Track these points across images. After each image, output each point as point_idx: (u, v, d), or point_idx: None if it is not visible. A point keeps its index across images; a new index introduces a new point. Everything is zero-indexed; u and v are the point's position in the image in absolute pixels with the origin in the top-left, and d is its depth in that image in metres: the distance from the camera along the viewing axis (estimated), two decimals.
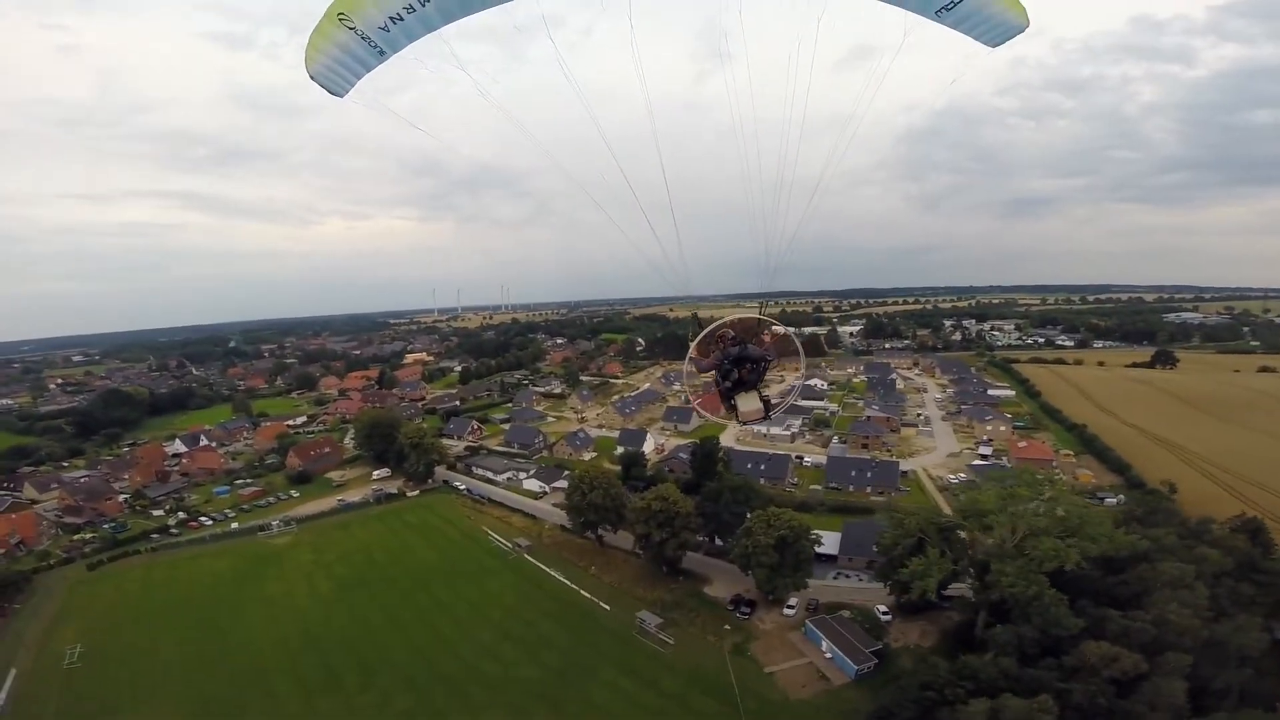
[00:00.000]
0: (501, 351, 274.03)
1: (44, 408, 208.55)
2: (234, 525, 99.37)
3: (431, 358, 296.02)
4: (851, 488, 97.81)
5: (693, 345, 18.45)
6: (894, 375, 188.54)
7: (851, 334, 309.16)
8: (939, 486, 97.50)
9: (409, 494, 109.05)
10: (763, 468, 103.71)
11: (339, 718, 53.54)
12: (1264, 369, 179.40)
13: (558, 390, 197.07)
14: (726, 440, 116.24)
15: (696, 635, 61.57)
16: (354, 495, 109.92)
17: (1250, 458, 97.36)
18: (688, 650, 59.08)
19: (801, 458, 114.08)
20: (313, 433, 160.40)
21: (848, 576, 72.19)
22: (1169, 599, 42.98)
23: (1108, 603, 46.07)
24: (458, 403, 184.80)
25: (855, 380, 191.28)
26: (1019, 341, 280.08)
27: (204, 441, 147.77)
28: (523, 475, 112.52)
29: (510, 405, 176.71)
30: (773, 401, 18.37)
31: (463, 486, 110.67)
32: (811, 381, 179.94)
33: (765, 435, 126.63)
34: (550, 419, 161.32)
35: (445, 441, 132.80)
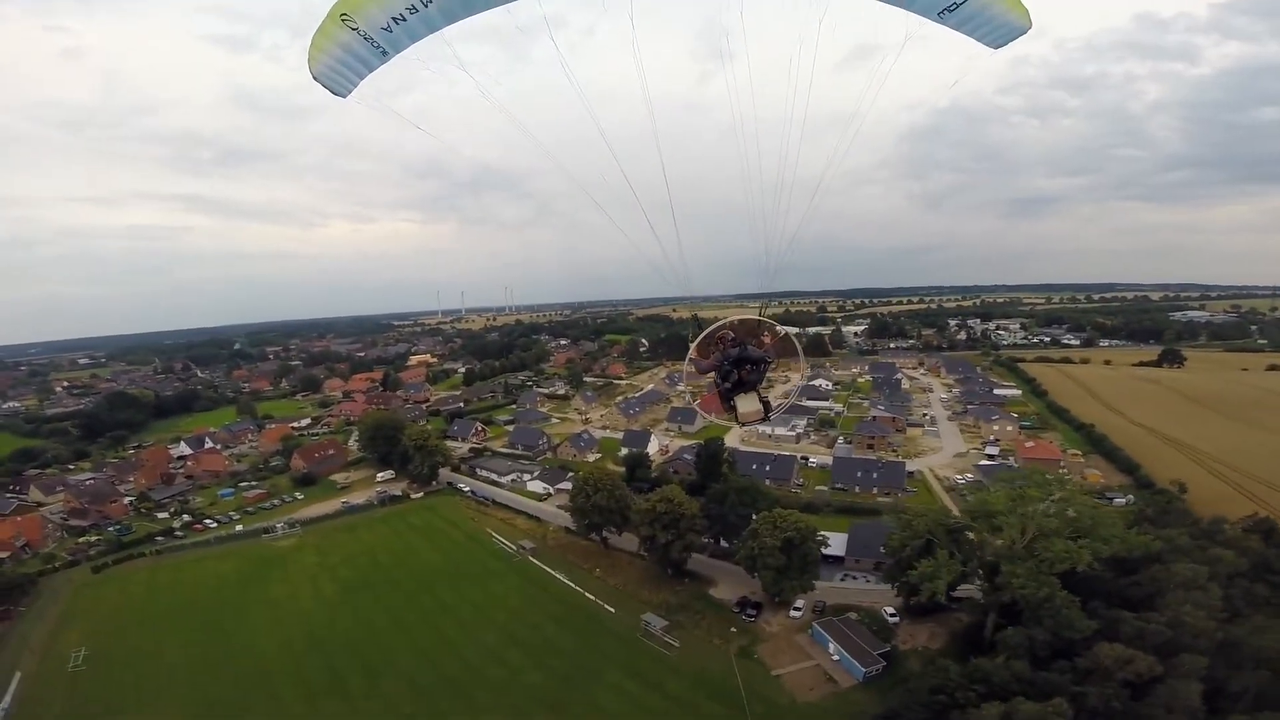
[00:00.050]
0: (505, 353, 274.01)
1: (50, 410, 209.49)
2: (239, 528, 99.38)
3: (435, 359, 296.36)
4: (858, 488, 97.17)
5: (692, 346, 18.50)
6: (899, 375, 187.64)
7: (856, 334, 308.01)
8: (946, 487, 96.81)
9: (413, 496, 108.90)
10: (768, 469, 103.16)
11: None
12: (1272, 367, 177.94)
13: (562, 391, 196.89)
14: (731, 441, 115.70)
15: (702, 638, 61.11)
16: (358, 497, 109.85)
17: (1261, 457, 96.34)
18: (693, 653, 58.65)
19: (807, 458, 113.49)
20: (317, 435, 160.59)
21: (855, 578, 71.64)
22: (1183, 600, 42.32)
23: (1120, 604, 45.41)
24: (462, 404, 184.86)
25: (860, 380, 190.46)
26: (1024, 341, 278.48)
27: (209, 444, 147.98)
28: (527, 477, 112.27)
29: (514, 407, 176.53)
30: (772, 403, 18.34)
31: (467, 488, 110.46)
32: (816, 382, 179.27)
33: (770, 436, 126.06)
34: (554, 420, 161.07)
35: (449, 443, 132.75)
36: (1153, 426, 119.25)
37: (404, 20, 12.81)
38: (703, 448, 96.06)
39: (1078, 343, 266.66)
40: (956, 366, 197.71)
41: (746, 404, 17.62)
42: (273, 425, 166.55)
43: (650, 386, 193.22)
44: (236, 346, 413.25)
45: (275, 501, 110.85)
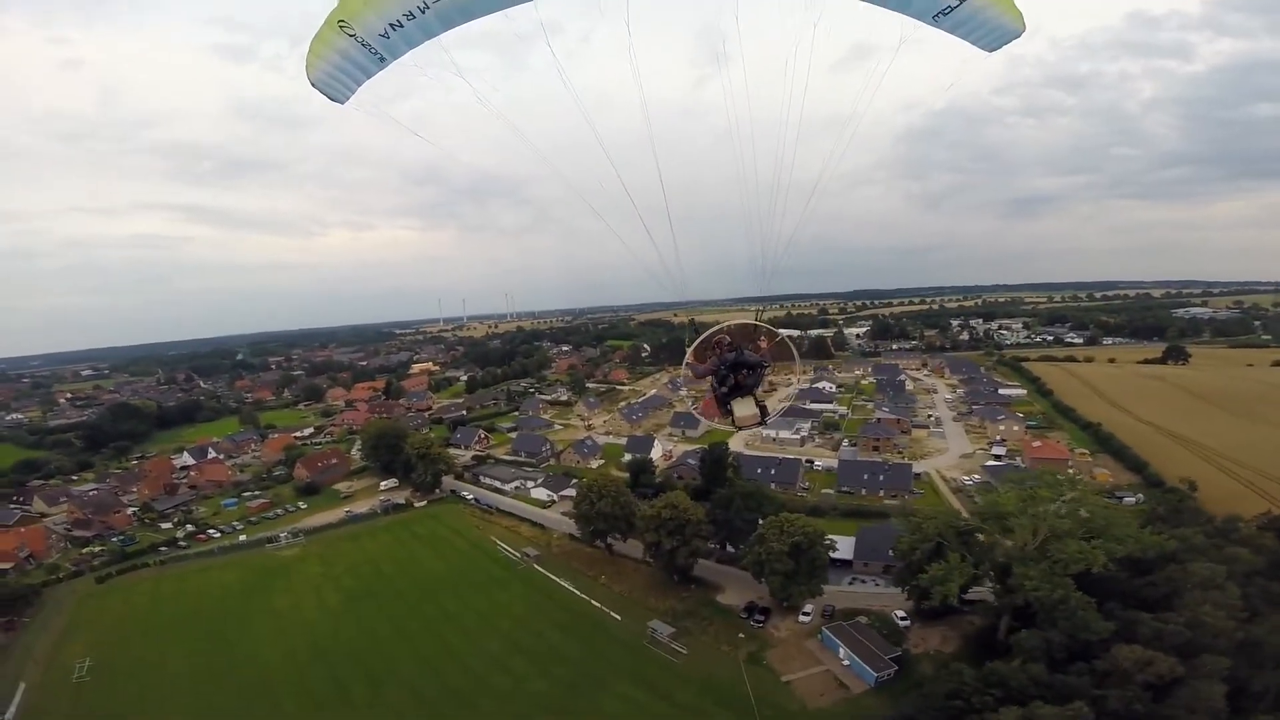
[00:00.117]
0: (507, 360, 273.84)
1: (53, 422, 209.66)
2: (242, 537, 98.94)
3: (437, 367, 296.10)
4: (864, 491, 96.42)
5: (689, 351, 18.68)
6: (903, 376, 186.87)
7: (858, 335, 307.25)
8: (953, 488, 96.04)
9: (416, 504, 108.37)
10: (773, 472, 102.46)
11: None
12: (1278, 363, 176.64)
13: (564, 398, 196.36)
14: (735, 446, 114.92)
15: (710, 644, 60.39)
16: (361, 506, 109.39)
17: (1270, 453, 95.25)
18: (701, 660, 57.94)
19: (812, 462, 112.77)
20: (320, 444, 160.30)
21: (864, 582, 70.86)
22: (1201, 600, 41.64)
23: (1136, 605, 44.69)
24: (464, 412, 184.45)
25: (864, 382, 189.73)
26: (1028, 340, 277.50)
27: (212, 454, 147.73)
28: (530, 484, 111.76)
29: (517, 414, 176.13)
30: (769, 408, 18.53)
31: (470, 496, 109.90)
32: (820, 384, 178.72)
33: (774, 440, 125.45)
34: (557, 427, 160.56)
35: (452, 451, 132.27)
36: (1160, 424, 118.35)
37: (402, 27, 12.83)
38: (707, 452, 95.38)
39: (1081, 341, 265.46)
40: (960, 367, 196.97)
41: (743, 408, 17.80)
42: (275, 435, 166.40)
43: (653, 392, 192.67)
44: (239, 357, 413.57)
45: (278, 511, 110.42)
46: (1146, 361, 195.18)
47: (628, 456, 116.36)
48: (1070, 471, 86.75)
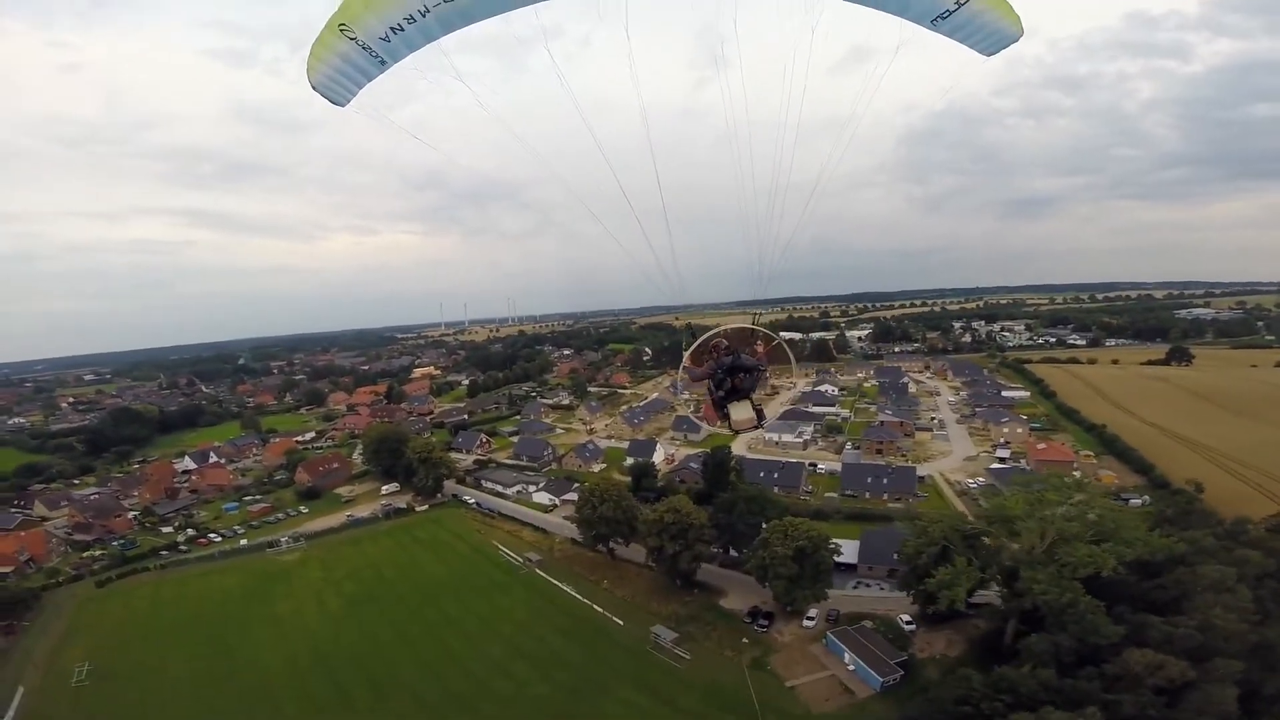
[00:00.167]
0: (509, 364, 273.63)
1: (55, 426, 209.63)
2: (243, 542, 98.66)
3: (439, 371, 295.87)
4: (868, 494, 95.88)
5: (686, 355, 18.89)
6: (905, 379, 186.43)
7: (860, 338, 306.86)
8: (957, 491, 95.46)
9: (418, 509, 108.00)
10: (775, 476, 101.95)
11: None
12: None
13: (566, 402, 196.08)
14: (738, 449, 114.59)
15: (713, 649, 59.90)
16: (363, 511, 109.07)
17: (1276, 454, 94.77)
18: (705, 665, 57.44)
19: (815, 465, 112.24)
20: (321, 448, 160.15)
21: (868, 586, 70.28)
22: (1212, 603, 41.09)
23: (1145, 608, 44.18)
24: (466, 416, 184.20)
25: (866, 385, 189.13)
26: (1030, 342, 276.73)
27: (213, 458, 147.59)
28: (532, 488, 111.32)
29: (519, 418, 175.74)
30: (765, 411, 18.74)
31: (472, 500, 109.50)
32: (822, 387, 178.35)
33: (777, 443, 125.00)
34: (559, 431, 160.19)
35: (454, 455, 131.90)
36: (1165, 426, 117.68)
37: (402, 30, 12.91)
38: (709, 456, 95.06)
39: (1084, 343, 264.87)
40: (963, 369, 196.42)
41: (740, 411, 17.94)
42: (277, 439, 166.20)
43: (655, 395, 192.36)
44: (240, 361, 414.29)
45: (279, 515, 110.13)
46: (1150, 363, 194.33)
47: (630, 460, 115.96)
48: (1076, 474, 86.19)
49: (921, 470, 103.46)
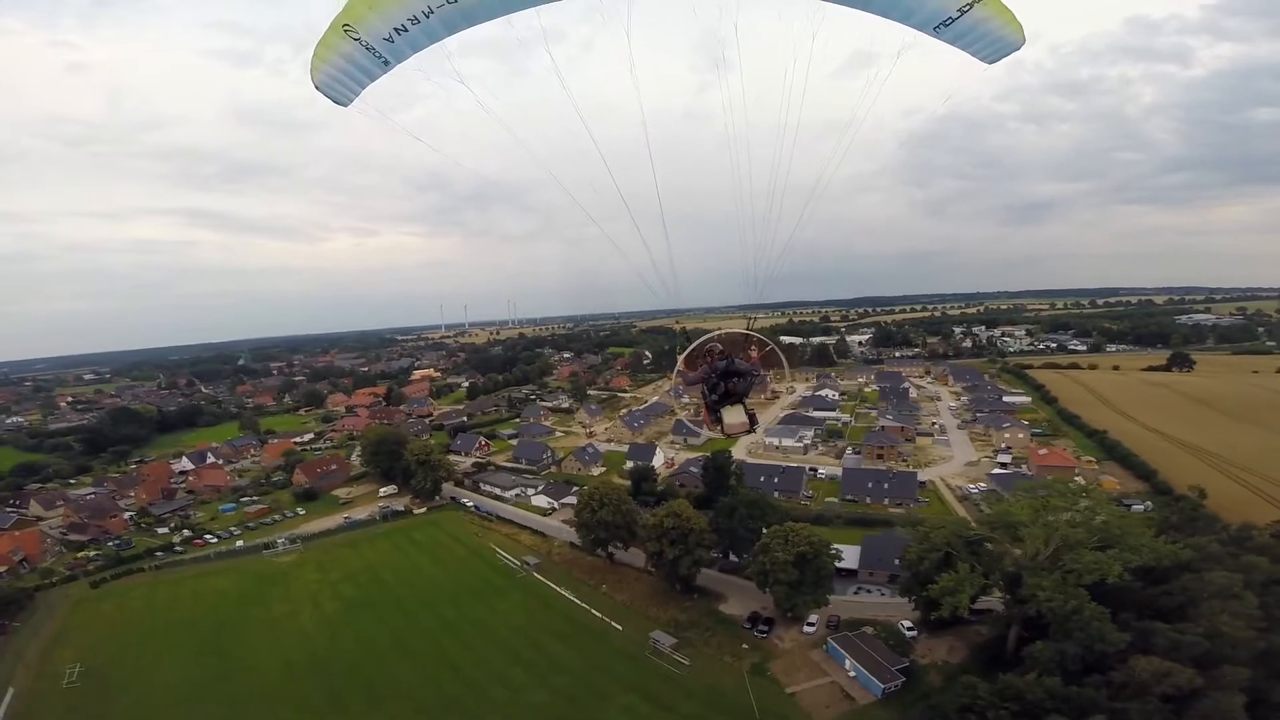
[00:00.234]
0: (509, 366, 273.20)
1: (53, 425, 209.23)
2: (239, 543, 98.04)
3: (439, 374, 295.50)
4: (869, 499, 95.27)
5: (680, 359, 19.30)
6: (906, 384, 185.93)
7: (861, 343, 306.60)
8: (959, 496, 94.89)
9: (416, 511, 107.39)
10: (776, 480, 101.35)
11: None
12: None
13: (566, 405, 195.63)
14: (738, 453, 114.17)
15: (713, 655, 59.26)
16: (360, 513, 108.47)
17: (1278, 460, 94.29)
18: (704, 671, 56.82)
19: (815, 470, 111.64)
20: (320, 450, 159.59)
21: (869, 591, 69.71)
22: (1219, 610, 40.62)
23: (1151, 615, 43.63)
24: (465, 419, 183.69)
25: (867, 390, 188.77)
26: (1031, 347, 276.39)
27: (211, 459, 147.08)
28: (531, 491, 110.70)
29: (518, 421, 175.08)
30: (757, 416, 19.39)
31: (470, 503, 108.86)
32: (823, 392, 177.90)
33: (778, 447, 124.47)
34: (558, 434, 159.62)
35: (453, 458, 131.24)
36: (1166, 432, 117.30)
37: (406, 31, 13.05)
38: (709, 460, 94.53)
39: (1084, 348, 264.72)
40: (964, 374, 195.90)
41: (733, 415, 18.20)
42: (275, 440, 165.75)
43: (655, 399, 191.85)
44: (240, 362, 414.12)
45: (276, 517, 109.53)
46: (1151, 369, 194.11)
47: (629, 464, 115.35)
48: (1078, 479, 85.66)
49: (922, 475, 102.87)
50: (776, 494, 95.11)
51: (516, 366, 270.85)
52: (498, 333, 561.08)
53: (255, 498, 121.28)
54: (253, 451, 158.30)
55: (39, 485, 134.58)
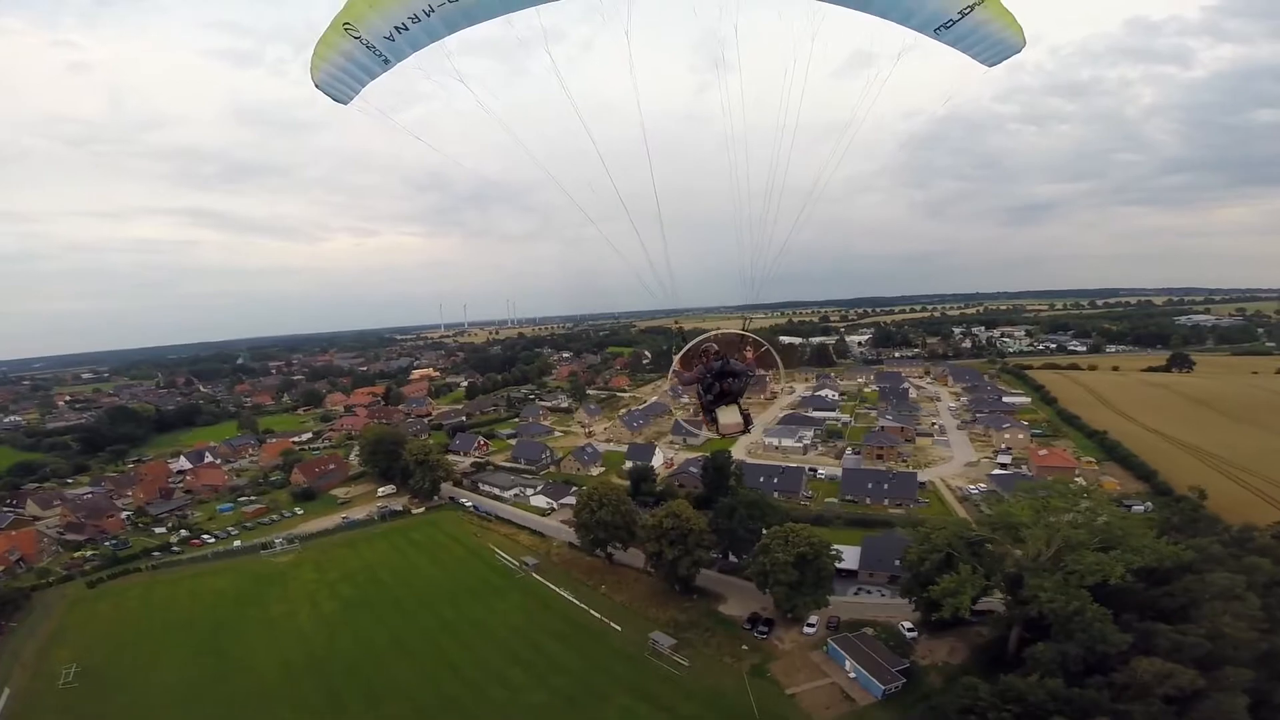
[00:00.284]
0: (508, 366, 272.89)
1: (51, 424, 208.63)
2: (237, 543, 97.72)
3: (438, 373, 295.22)
4: (869, 500, 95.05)
5: (676, 359, 19.42)
6: (906, 384, 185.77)
7: (860, 343, 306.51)
8: (959, 497, 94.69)
9: (414, 511, 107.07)
10: (775, 481, 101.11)
11: None
12: None
13: (565, 405, 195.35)
14: (738, 454, 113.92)
15: (712, 656, 58.99)
16: (359, 513, 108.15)
17: (1278, 461, 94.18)
18: (704, 672, 56.55)
19: (815, 470, 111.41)
20: (318, 449, 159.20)
21: (869, 592, 69.50)
22: (1221, 611, 40.46)
23: (1153, 616, 43.44)
24: (464, 418, 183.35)
25: (867, 390, 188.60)
26: (1030, 348, 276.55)
27: (208, 458, 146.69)
28: (530, 491, 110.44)
29: (517, 420, 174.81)
30: (753, 416, 19.19)
31: (469, 503, 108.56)
32: (822, 392, 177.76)
33: (777, 448, 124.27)
34: (557, 434, 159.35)
35: (451, 458, 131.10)
36: (1166, 432, 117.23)
37: (407, 30, 13.12)
38: (709, 461, 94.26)
39: (1084, 349, 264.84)
40: (963, 375, 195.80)
41: (727, 415, 18.29)
42: (273, 440, 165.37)
43: (654, 399, 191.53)
44: (239, 361, 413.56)
45: (274, 517, 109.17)
46: (1151, 369, 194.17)
47: (629, 464, 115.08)
48: (1078, 480, 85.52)
49: (922, 476, 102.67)
50: (776, 494, 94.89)
51: (515, 366, 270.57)
52: (497, 332, 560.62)
53: (253, 497, 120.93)
54: (251, 451, 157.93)
55: (36, 485, 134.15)
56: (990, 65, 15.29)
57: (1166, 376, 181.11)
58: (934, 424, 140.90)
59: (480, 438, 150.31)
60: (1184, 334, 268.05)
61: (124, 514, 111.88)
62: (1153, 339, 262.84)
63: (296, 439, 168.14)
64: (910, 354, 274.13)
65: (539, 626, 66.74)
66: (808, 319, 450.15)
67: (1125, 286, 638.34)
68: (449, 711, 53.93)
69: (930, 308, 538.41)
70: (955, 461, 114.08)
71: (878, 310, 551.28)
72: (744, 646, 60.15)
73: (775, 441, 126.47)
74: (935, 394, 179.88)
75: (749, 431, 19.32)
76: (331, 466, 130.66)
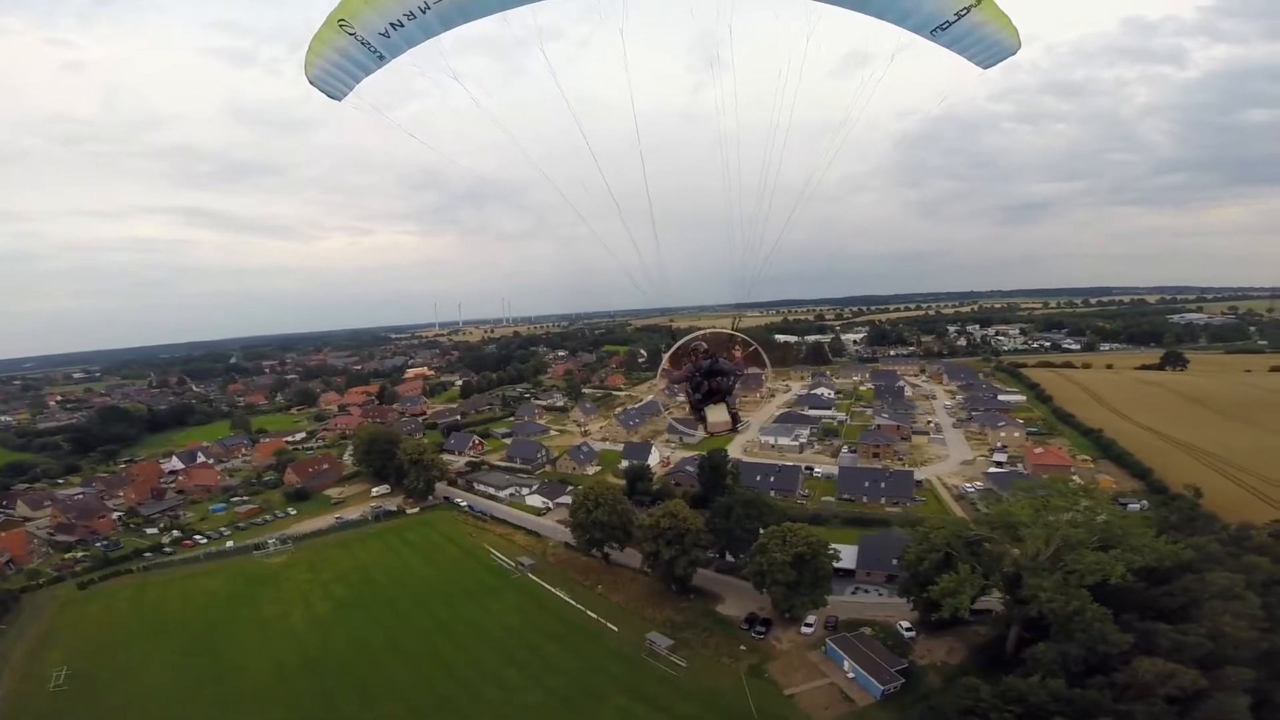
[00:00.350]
0: (503, 365, 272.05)
1: (42, 424, 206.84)
2: (229, 544, 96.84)
3: (433, 372, 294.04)
4: (865, 498, 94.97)
5: (665, 358, 19.72)
6: (901, 383, 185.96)
7: (855, 342, 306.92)
8: (955, 495, 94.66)
9: (409, 511, 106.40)
10: (772, 480, 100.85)
11: None
12: (1275, 369, 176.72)
13: (560, 403, 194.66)
14: (734, 452, 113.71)
15: (710, 657, 58.64)
16: (353, 513, 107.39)
17: (1273, 459, 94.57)
18: (701, 673, 56.22)
19: (811, 469, 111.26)
20: (312, 449, 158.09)
21: (866, 591, 69.30)
22: (1221, 610, 40.37)
23: (1153, 616, 43.32)
24: (459, 417, 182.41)
25: (862, 388, 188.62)
26: (1025, 346, 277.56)
27: (201, 458, 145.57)
28: (525, 491, 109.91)
29: (512, 419, 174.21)
30: (741, 415, 19.62)
31: (464, 503, 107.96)
32: (818, 390, 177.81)
33: (773, 446, 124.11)
34: (553, 433, 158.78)
35: (446, 457, 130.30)
36: (1161, 430, 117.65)
37: (402, 26, 13.11)
38: (705, 459, 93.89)
39: (1078, 347, 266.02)
40: (959, 373, 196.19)
41: (716, 414, 18.53)
42: (267, 439, 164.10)
43: (650, 398, 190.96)
44: (232, 360, 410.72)
45: (267, 517, 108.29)
46: (1144, 367, 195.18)
47: (625, 463, 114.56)
48: (1074, 478, 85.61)
49: (919, 474, 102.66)
50: (773, 493, 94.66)
51: (511, 365, 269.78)
52: (492, 331, 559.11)
53: (246, 498, 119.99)
54: (244, 451, 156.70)
55: (26, 485, 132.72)
56: (986, 67, 15.31)
57: (1160, 374, 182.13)
58: (930, 422, 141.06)
59: (475, 437, 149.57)
60: (1177, 332, 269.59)
61: (115, 514, 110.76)
62: (1146, 337, 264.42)
63: (290, 439, 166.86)
64: (905, 352, 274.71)
65: (534, 627, 66.29)
66: (803, 318, 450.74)
67: (1119, 285, 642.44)
68: (444, 712, 53.45)
69: (925, 306, 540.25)
70: (951, 460, 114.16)
71: (873, 309, 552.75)
72: (742, 647, 59.83)
73: (771, 440, 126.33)
74: (930, 392, 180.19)
75: (738, 430, 20.44)
76: (325, 466, 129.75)
